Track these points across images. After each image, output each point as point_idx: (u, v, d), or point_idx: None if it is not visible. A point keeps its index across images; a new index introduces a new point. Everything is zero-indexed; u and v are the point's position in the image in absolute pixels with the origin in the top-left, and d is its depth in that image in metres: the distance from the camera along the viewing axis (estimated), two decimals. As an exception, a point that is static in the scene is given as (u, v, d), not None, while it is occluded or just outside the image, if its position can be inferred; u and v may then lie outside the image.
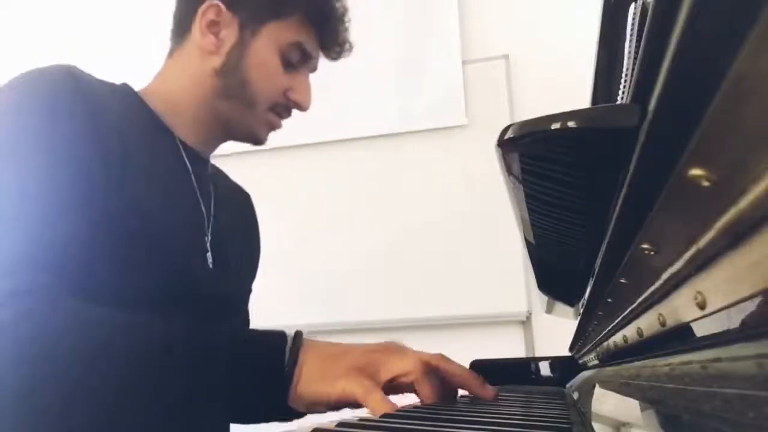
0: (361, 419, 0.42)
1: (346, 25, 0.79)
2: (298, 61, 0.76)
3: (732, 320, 0.19)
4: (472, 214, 2.16)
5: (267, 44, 0.74)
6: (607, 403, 0.41)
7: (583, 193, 0.37)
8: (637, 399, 0.32)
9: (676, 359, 0.28)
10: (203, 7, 0.74)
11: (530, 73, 2.24)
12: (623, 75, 0.50)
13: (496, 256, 2.10)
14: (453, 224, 2.19)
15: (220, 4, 0.74)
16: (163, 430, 0.52)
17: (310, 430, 0.35)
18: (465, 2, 2.33)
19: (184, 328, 0.56)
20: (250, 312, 0.89)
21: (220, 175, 0.88)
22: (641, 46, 0.25)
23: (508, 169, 0.36)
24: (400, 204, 2.25)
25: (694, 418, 0.21)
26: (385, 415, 0.45)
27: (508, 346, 2.11)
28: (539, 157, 0.34)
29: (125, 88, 0.74)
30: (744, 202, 0.16)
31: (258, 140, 0.80)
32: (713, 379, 0.21)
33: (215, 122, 0.77)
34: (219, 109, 0.76)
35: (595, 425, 0.37)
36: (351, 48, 0.81)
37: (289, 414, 0.59)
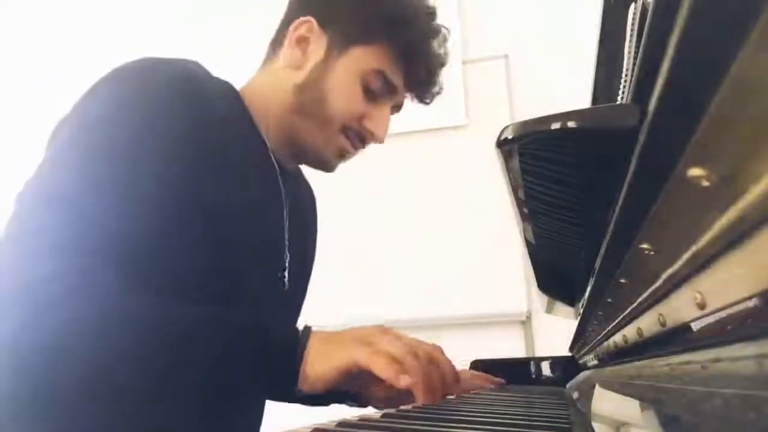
0: (361, 419, 0.42)
1: (438, 68, 0.79)
2: (380, 91, 0.75)
3: (732, 320, 0.19)
4: (472, 214, 2.16)
5: (350, 66, 0.74)
6: (607, 403, 0.41)
7: (583, 193, 0.37)
8: (637, 399, 0.32)
9: (676, 359, 0.28)
10: (296, 22, 0.75)
11: (530, 73, 2.24)
12: (623, 75, 0.50)
13: (496, 256, 2.10)
14: (453, 224, 2.19)
15: (313, 21, 0.74)
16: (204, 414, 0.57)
17: (310, 430, 0.35)
18: (465, 2, 2.33)
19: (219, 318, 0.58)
20: None
21: (296, 173, 0.88)
22: (641, 46, 0.25)
23: (508, 170, 0.36)
24: (399, 204, 2.25)
25: (694, 418, 0.21)
26: (384, 415, 0.45)
27: (508, 346, 2.11)
28: (539, 157, 0.34)
29: (230, 88, 0.74)
30: (744, 202, 0.16)
31: (326, 165, 0.79)
32: (713, 379, 0.21)
33: (290, 139, 0.77)
34: (294, 125, 0.76)
35: (595, 425, 0.37)
36: (440, 92, 0.81)
37: (299, 397, 0.61)
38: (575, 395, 0.63)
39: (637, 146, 0.26)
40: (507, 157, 0.34)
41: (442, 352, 0.62)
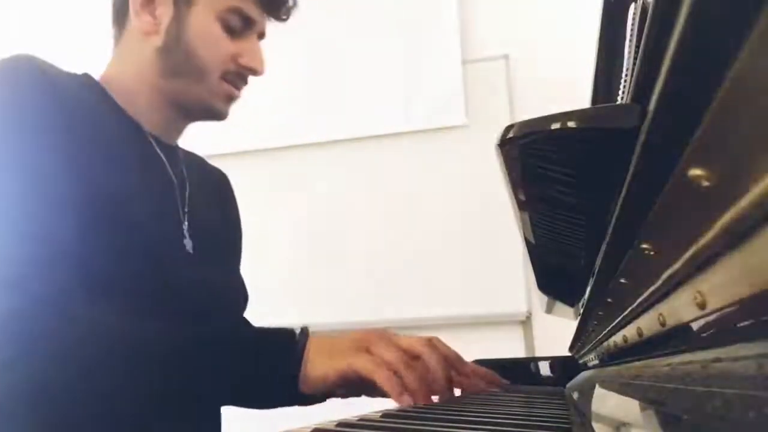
0: (360, 419, 0.42)
1: None
2: (242, 27, 0.74)
3: (732, 320, 0.19)
4: (472, 214, 2.16)
5: (203, 13, 0.72)
6: (607, 403, 0.41)
7: (583, 193, 0.37)
8: (637, 399, 0.32)
9: (676, 359, 0.28)
10: None
11: (530, 73, 2.24)
12: (623, 75, 0.50)
13: (496, 256, 2.10)
14: (453, 224, 2.19)
15: None
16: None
17: (310, 429, 0.35)
18: (465, 2, 2.33)
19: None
20: (248, 302, 0.87)
21: (195, 160, 0.86)
22: (641, 46, 0.25)
23: (508, 169, 0.36)
24: (399, 204, 2.25)
25: (694, 418, 0.21)
26: (384, 415, 0.45)
27: (508, 346, 2.11)
28: (539, 157, 0.34)
29: (88, 79, 0.72)
30: (744, 202, 0.16)
31: (217, 114, 0.77)
32: (713, 379, 0.21)
33: (170, 105, 0.75)
34: (170, 90, 0.74)
35: (595, 425, 0.37)
36: (295, 5, 0.79)
37: (299, 398, 0.62)
38: (575, 395, 0.63)
39: (637, 146, 0.26)
40: (507, 157, 0.34)
41: (439, 343, 0.63)
